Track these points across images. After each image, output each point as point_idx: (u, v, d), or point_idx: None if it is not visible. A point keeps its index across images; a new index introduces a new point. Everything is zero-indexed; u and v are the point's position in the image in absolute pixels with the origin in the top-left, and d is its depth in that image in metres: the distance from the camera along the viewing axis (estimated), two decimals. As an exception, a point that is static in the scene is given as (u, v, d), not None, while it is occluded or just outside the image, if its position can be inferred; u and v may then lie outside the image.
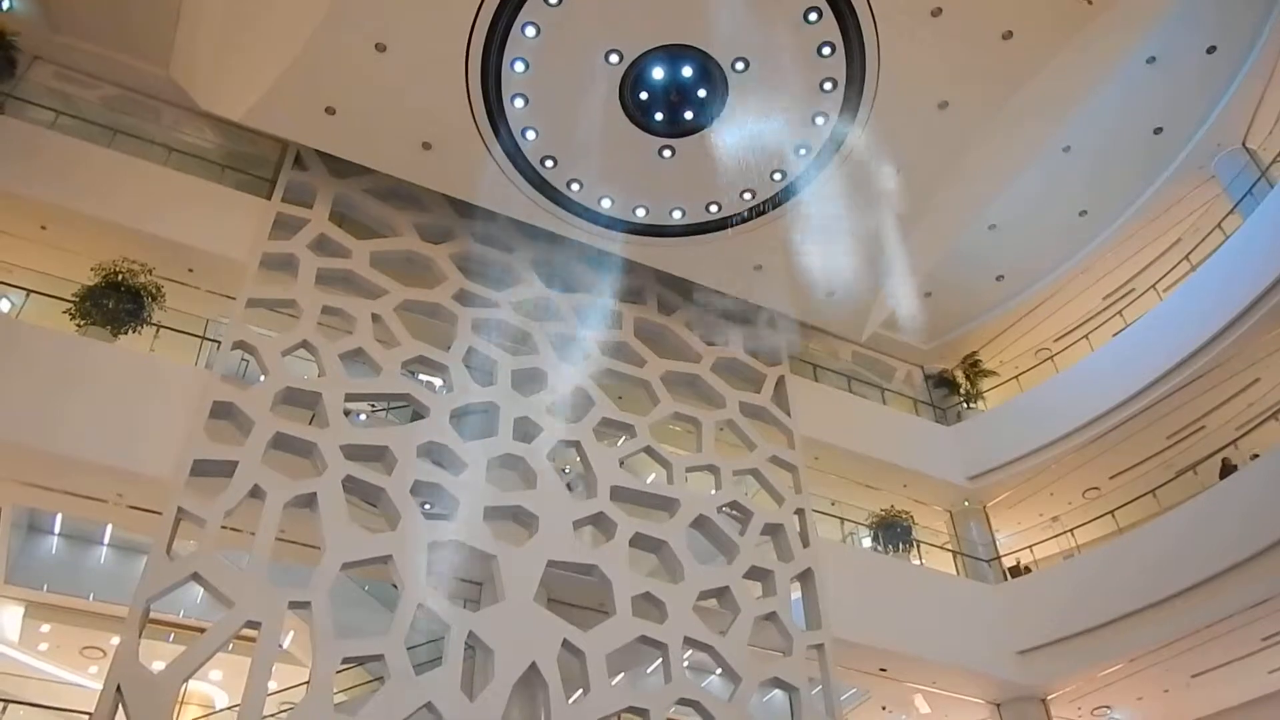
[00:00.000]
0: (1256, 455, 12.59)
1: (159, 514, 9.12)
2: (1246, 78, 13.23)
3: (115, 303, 10.57)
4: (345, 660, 8.99)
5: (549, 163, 12.26)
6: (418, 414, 11.35)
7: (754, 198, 12.85)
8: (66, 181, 11.10)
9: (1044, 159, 13.82)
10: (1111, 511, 14.58)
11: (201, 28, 11.70)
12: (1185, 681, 13.84)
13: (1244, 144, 14.23)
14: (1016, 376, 17.04)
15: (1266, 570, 11.11)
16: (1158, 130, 14.07)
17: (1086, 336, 16.41)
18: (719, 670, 11.18)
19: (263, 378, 10.51)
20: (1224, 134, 14.02)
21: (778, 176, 12.58)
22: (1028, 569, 15.36)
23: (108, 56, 12.62)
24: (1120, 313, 15.68)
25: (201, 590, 9.13)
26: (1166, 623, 12.15)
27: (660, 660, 10.66)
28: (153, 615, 8.75)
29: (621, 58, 11.12)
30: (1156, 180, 14.76)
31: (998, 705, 13.99)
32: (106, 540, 15.03)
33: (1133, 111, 13.66)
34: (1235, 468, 12.84)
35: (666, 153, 12.13)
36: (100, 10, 12.10)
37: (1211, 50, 12.94)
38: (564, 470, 12.58)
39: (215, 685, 15.42)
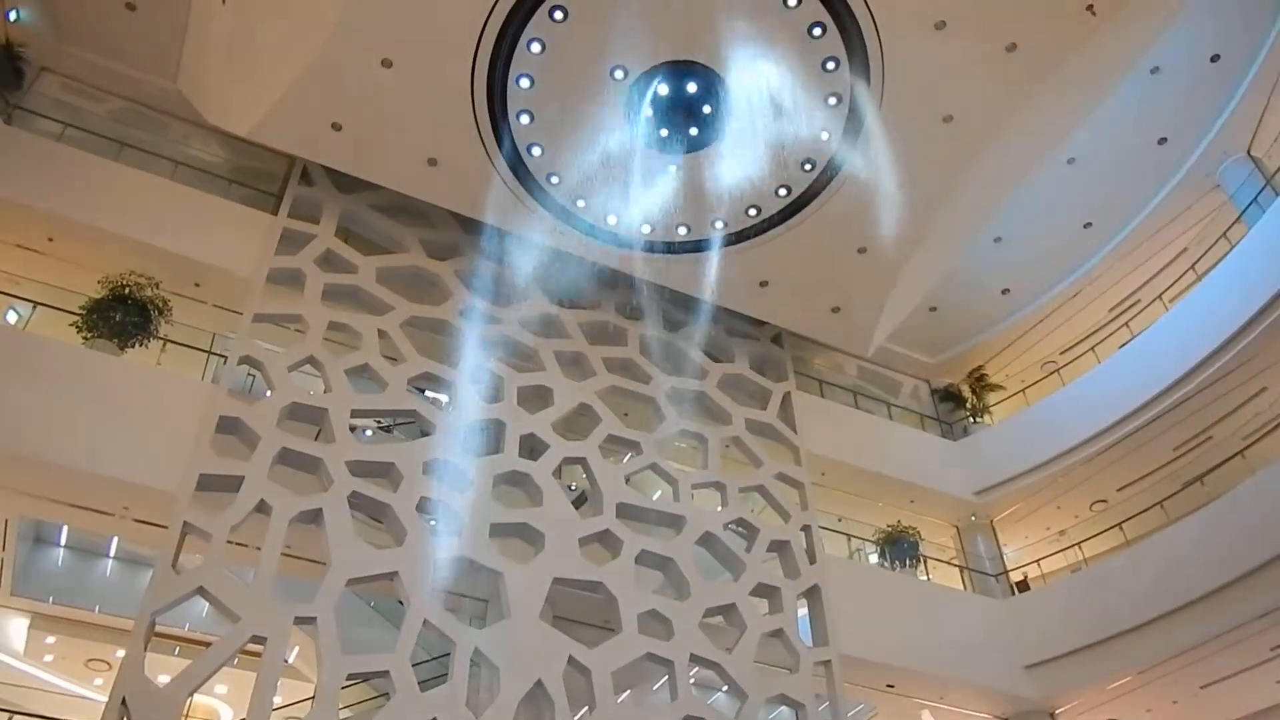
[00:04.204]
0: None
1: (164, 528, 9.12)
2: (1250, 86, 13.19)
3: (122, 316, 10.59)
4: (350, 676, 8.98)
5: (554, 179, 12.29)
6: (424, 431, 11.34)
7: (759, 214, 12.86)
8: (74, 194, 11.14)
9: (1048, 171, 13.79)
10: (1119, 524, 14.50)
11: (209, 42, 11.78)
12: (1194, 692, 13.71)
13: (1249, 152, 14.19)
14: (1023, 390, 16.95)
15: (1275, 580, 11.06)
16: (1162, 140, 14.04)
17: (1093, 349, 16.30)
18: (725, 687, 11.14)
19: (269, 393, 10.52)
20: (1229, 143, 13.98)
21: (783, 192, 12.58)
22: (1027, 585, 15.29)
23: (115, 69, 12.72)
24: (1127, 324, 15.63)
25: (207, 604, 9.11)
26: (1175, 634, 12.08)
27: (666, 677, 10.62)
28: (158, 628, 8.75)
29: (627, 74, 11.16)
30: (1161, 191, 14.71)
31: (1005, 720, 13.92)
32: (112, 553, 15.01)
33: (1137, 122, 13.63)
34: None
35: (672, 169, 12.14)
36: (108, 23, 12.21)
37: (1215, 59, 12.92)
38: (570, 487, 12.55)
39: (220, 699, 15.39)
